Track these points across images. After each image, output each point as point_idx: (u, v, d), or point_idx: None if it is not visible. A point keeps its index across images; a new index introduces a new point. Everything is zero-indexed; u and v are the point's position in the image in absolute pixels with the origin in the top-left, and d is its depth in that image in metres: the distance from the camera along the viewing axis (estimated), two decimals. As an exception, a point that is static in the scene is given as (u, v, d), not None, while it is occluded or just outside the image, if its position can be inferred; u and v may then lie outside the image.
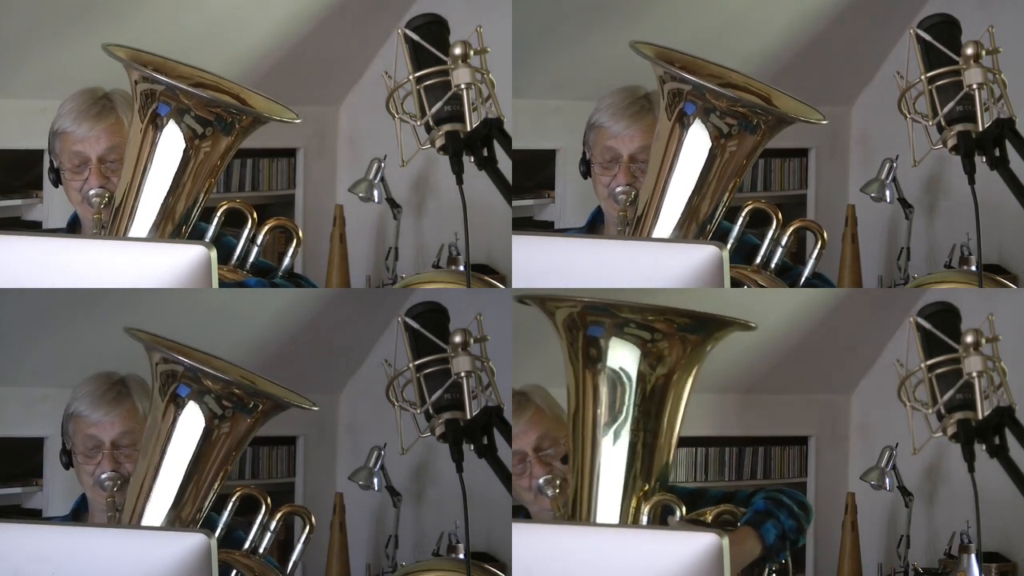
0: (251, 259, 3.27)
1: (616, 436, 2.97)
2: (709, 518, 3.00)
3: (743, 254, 3.29)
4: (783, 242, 3.30)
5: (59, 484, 3.87)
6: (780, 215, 3.29)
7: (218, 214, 3.24)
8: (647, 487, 2.97)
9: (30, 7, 3.81)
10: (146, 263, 3.05)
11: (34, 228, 3.95)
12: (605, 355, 2.96)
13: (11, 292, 3.09)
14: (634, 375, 2.96)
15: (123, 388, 3.18)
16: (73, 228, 3.33)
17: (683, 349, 2.96)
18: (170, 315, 3.63)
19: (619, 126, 3.28)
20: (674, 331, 2.95)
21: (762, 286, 3.26)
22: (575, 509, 3.01)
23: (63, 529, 3.05)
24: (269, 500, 3.08)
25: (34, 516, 3.85)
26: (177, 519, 3.02)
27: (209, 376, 2.99)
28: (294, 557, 3.10)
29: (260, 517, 3.07)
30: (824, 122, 3.19)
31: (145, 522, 3.01)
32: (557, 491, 3.15)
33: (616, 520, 2.96)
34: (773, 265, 3.30)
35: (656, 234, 3.18)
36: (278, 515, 3.08)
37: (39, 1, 3.81)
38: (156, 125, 3.10)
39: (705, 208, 3.18)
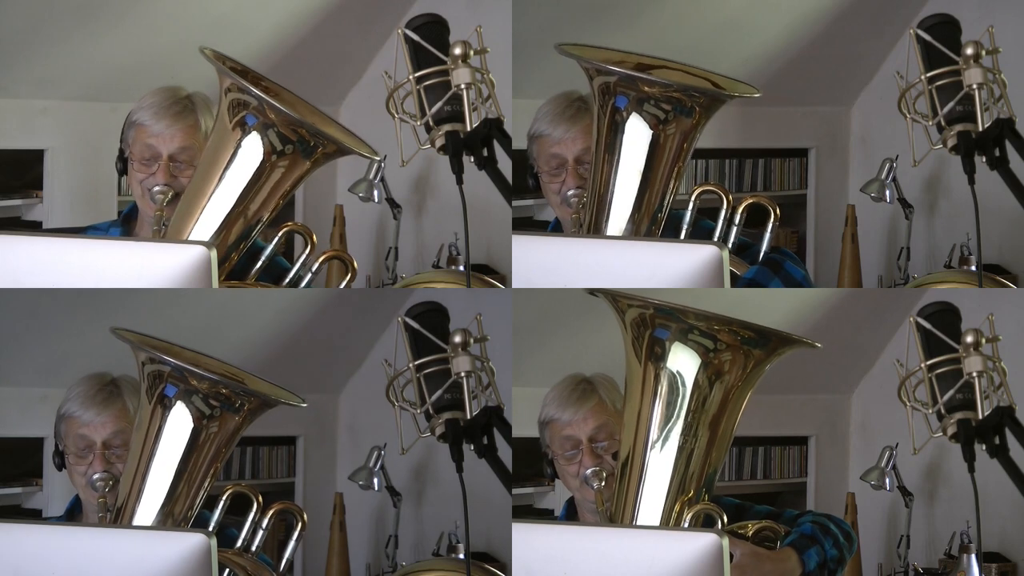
0: (303, 284, 3.24)
1: (666, 438, 2.96)
2: (750, 532, 3.00)
3: (700, 239, 3.25)
4: (736, 220, 3.26)
5: (59, 484, 3.87)
6: (730, 196, 3.24)
7: (278, 236, 3.18)
8: (691, 493, 2.96)
9: (31, 7, 3.81)
10: (146, 263, 3.05)
11: (34, 228, 3.95)
12: (667, 356, 2.95)
13: (11, 292, 3.09)
14: (691, 381, 2.94)
15: (114, 389, 3.18)
16: (129, 218, 3.30)
17: (745, 363, 2.94)
18: (170, 315, 3.64)
19: (559, 131, 3.27)
20: (738, 343, 2.93)
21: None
22: (618, 503, 2.99)
23: (63, 529, 3.04)
24: (260, 498, 3.08)
25: (34, 516, 3.86)
26: (168, 518, 3.02)
27: (195, 375, 2.99)
28: (287, 554, 3.10)
29: (252, 515, 3.07)
30: (757, 95, 3.16)
31: (136, 522, 3.01)
32: (603, 484, 3.12)
33: (657, 521, 2.95)
34: (731, 244, 3.27)
35: (610, 230, 3.17)
36: (270, 513, 3.08)
37: (40, 1, 3.82)
38: (164, 406, 3.08)
39: (654, 198, 3.16)
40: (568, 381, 3.19)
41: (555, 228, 3.39)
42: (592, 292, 3.02)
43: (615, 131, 3.13)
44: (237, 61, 3.14)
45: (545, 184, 3.31)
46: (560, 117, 3.27)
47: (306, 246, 3.20)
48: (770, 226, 3.22)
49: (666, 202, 3.17)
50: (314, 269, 3.21)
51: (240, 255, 3.15)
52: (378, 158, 3.17)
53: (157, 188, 3.21)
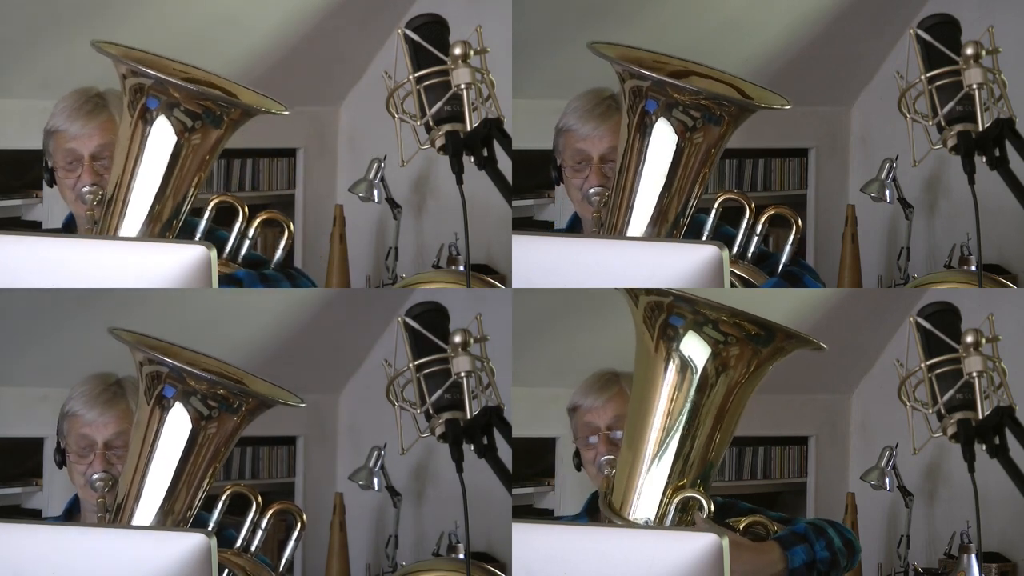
0: (242, 252, 3.28)
1: (673, 424, 2.95)
2: (740, 527, 3.00)
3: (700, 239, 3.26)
4: (758, 231, 3.28)
5: (59, 484, 3.87)
6: (752, 204, 3.26)
7: (209, 208, 3.25)
8: (686, 480, 2.96)
9: (30, 7, 3.81)
10: (146, 263, 3.05)
11: (34, 228, 3.95)
12: (680, 341, 2.94)
13: (11, 292, 3.09)
14: (700, 369, 2.93)
15: (118, 390, 3.18)
16: (69, 228, 3.34)
17: (751, 359, 2.93)
18: (170, 315, 3.64)
19: (587, 127, 3.28)
20: (744, 338, 2.92)
21: (741, 276, 3.25)
22: (619, 483, 2.99)
23: (63, 529, 3.05)
24: (260, 498, 3.08)
25: (34, 516, 3.85)
26: (167, 518, 3.02)
27: (193, 376, 2.99)
28: (286, 555, 3.10)
29: (251, 515, 3.08)
30: (788, 107, 3.17)
31: (135, 522, 3.01)
32: (613, 471, 3.13)
33: (653, 507, 2.95)
34: (750, 254, 3.28)
35: (632, 231, 3.18)
36: (269, 513, 3.08)
37: (39, 1, 3.82)
38: (146, 119, 3.11)
39: (676, 203, 3.17)
40: (596, 373, 3.22)
41: (572, 224, 3.39)
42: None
43: (643, 134, 3.14)
44: (146, 50, 3.15)
45: (567, 179, 3.32)
46: (590, 114, 3.28)
47: (243, 216, 3.24)
48: (791, 238, 3.25)
49: (689, 207, 3.19)
50: (250, 235, 3.26)
51: (174, 235, 3.17)
52: (288, 112, 3.19)
53: (86, 189, 3.24)
